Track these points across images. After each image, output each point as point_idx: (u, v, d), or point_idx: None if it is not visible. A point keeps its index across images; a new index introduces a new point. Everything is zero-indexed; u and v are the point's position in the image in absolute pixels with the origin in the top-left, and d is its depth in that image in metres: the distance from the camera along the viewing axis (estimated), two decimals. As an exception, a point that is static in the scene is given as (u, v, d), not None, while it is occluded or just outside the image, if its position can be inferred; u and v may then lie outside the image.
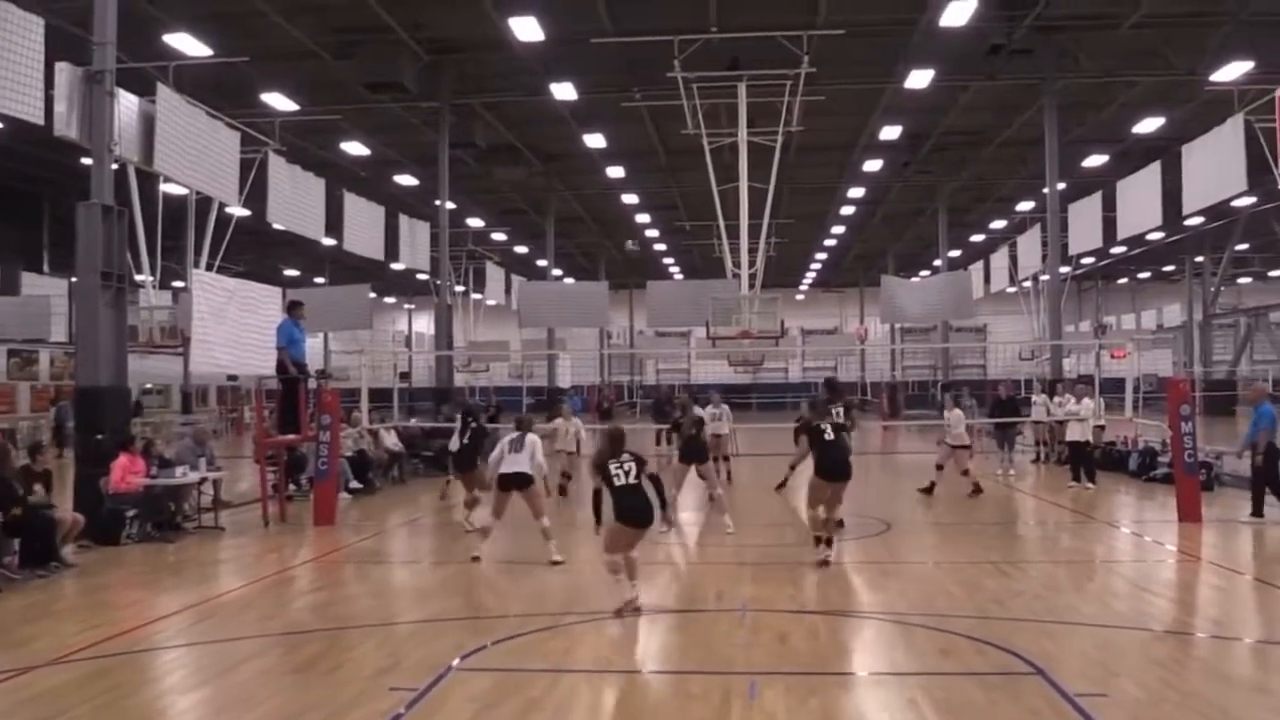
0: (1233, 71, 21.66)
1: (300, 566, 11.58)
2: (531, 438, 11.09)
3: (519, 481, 10.91)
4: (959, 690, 6.54)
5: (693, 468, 13.81)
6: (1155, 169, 22.44)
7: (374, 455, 19.12)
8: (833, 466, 10.67)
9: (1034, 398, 22.72)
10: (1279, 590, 9.53)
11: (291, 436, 15.52)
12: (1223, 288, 49.37)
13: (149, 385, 40.42)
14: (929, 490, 16.42)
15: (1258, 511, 13.36)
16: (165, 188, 17.44)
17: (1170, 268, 57.35)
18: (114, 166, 13.88)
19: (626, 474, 8.65)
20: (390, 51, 22.28)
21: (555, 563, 10.73)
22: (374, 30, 21.53)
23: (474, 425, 13.89)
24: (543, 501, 11.15)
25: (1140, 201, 22.94)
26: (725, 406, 18.14)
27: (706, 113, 21.87)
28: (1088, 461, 17.77)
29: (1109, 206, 25.01)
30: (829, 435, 10.75)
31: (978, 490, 16.25)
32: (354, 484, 17.73)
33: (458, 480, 14.57)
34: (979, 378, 53.90)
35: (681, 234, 44.75)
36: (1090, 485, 17.30)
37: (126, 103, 14.39)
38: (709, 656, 7.40)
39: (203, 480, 14.31)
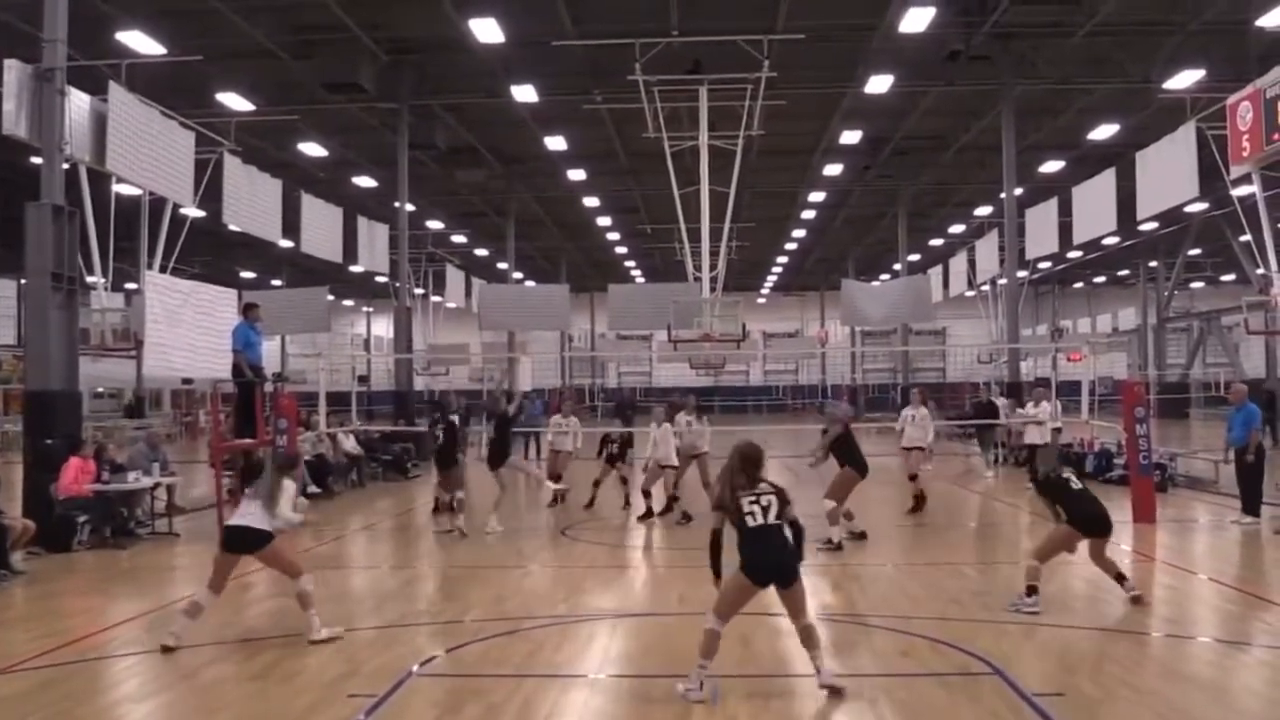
0: (1185, 80, 22.06)
1: (257, 572, 11.33)
2: (287, 483, 8.29)
3: (244, 542, 8.05)
4: (919, 691, 6.57)
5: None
6: (1110, 175, 22.77)
7: (332, 459, 18.94)
8: (1097, 518, 9.09)
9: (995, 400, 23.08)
10: (1231, 589, 9.67)
11: (248, 441, 15.32)
12: (1176, 292, 50.26)
13: (100, 389, 39.75)
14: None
15: (1251, 510, 13.34)
16: (118, 188, 17.15)
17: (1125, 272, 58.22)
18: (65, 166, 13.63)
19: (765, 510, 6.46)
20: (348, 51, 22.09)
21: (316, 641, 7.89)
22: (332, 30, 21.33)
23: (447, 421, 13.77)
24: (289, 561, 8.35)
25: (1095, 207, 23.27)
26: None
27: (668, 116, 21.89)
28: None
29: (1065, 212, 25.36)
30: (1076, 484, 9.20)
31: None
32: (312, 488, 17.54)
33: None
34: (938, 380, 54.43)
35: (643, 237, 44.76)
36: None
37: (78, 101, 14.13)
38: (671, 660, 7.37)
39: (156, 485, 14.08)
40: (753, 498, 6.46)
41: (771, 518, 6.42)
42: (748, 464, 6.59)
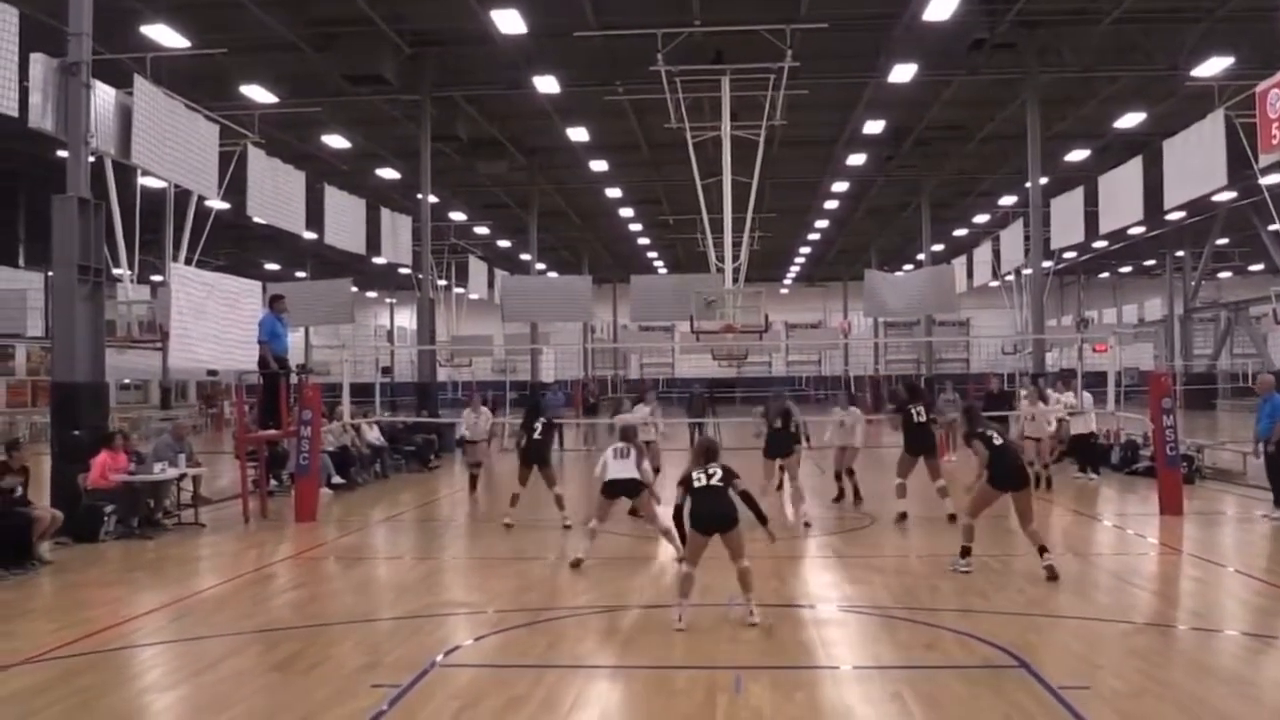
0: (1213, 67, 21.76)
1: (280, 563, 11.49)
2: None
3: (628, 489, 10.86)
4: (943, 683, 6.53)
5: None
6: (1136, 164, 22.48)
7: (356, 451, 19.02)
8: (1009, 473, 9.93)
9: (1021, 392, 22.82)
10: (1259, 582, 9.57)
11: (272, 432, 15.41)
12: (1203, 282, 49.73)
13: (126, 380, 40.09)
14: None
15: None
16: (143, 180, 17.25)
17: (1151, 262, 57.66)
18: (91, 159, 13.71)
19: (709, 477, 8.23)
20: (371, 44, 22.12)
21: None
22: (354, 22, 21.37)
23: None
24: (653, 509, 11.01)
25: (1121, 196, 22.96)
26: (857, 409, 16.39)
27: (690, 106, 21.80)
28: (1091, 452, 17.81)
29: (1090, 201, 25.05)
30: (998, 441, 10.04)
31: None
32: (336, 479, 17.64)
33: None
34: (962, 371, 54.12)
35: (665, 228, 44.69)
36: (1094, 476, 17.37)
37: (103, 94, 14.20)
38: (694, 651, 7.36)
39: (182, 476, 14.18)
40: (701, 471, 8.23)
41: (714, 482, 8.15)
42: (701, 454, 8.51)
